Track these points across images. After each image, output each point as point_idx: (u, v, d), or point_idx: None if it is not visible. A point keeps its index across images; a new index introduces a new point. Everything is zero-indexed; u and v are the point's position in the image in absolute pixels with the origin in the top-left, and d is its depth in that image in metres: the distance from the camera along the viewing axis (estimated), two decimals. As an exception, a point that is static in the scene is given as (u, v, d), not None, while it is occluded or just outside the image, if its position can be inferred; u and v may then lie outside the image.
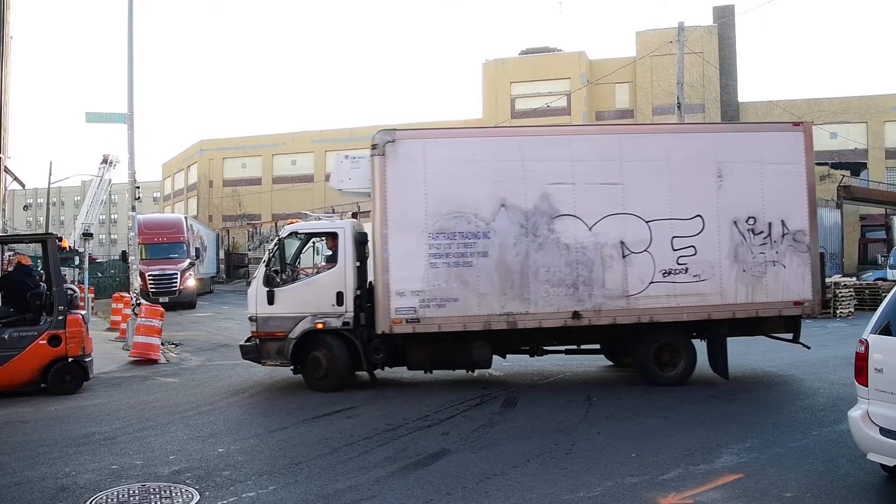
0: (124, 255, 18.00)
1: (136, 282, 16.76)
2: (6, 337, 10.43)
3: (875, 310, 6.15)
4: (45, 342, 10.53)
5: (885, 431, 5.51)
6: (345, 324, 10.40)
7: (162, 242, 29.66)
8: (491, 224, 10.18)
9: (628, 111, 48.76)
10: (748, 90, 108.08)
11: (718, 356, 10.73)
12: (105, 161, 39.97)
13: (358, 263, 10.61)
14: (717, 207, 10.51)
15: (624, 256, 10.33)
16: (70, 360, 10.66)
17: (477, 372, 11.30)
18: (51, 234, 12.01)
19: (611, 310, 10.30)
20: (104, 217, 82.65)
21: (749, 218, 10.54)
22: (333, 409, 9.25)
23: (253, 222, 58.13)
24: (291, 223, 11.37)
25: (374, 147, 10.24)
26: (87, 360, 11.01)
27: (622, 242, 10.34)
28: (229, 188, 62.08)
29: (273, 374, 12.07)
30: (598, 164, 10.43)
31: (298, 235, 11.15)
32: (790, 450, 7.12)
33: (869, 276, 28.78)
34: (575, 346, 11.45)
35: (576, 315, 10.24)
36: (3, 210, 19.16)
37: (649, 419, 8.62)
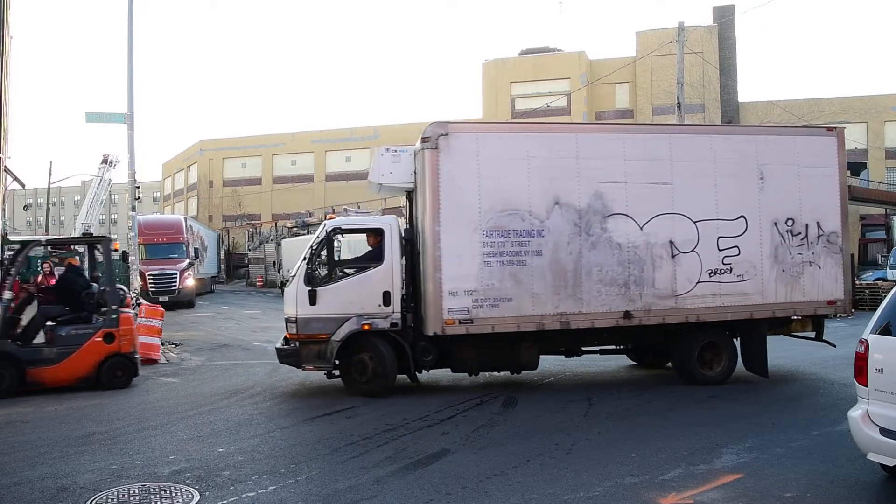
0: (125, 255, 18.03)
1: (137, 282, 16.77)
2: (65, 334, 10.91)
3: (875, 310, 6.15)
4: (100, 339, 10.98)
5: (885, 431, 5.51)
6: (392, 325, 10.00)
7: (162, 243, 30.09)
8: (545, 222, 10.01)
9: (628, 111, 48.76)
10: (748, 90, 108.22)
11: (757, 355, 10.88)
12: (105, 161, 40.00)
13: (403, 262, 10.22)
14: (759, 209, 10.73)
15: (673, 256, 10.39)
16: (122, 356, 11.10)
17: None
18: (104, 236, 12.33)
19: (660, 309, 10.34)
20: (104, 217, 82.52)
21: (788, 219, 10.81)
22: (333, 409, 9.25)
23: (253, 222, 58.12)
24: (331, 218, 10.77)
25: (425, 140, 9.84)
26: (136, 356, 11.48)
27: (671, 242, 10.40)
28: (229, 188, 62.09)
29: (273, 374, 12.06)
30: (650, 164, 10.45)
31: (342, 232, 10.64)
32: (790, 450, 7.12)
33: (869, 276, 28.77)
34: (613, 347, 11.44)
35: (627, 315, 10.20)
36: (3, 210, 19.14)
37: (649, 419, 8.62)
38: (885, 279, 26.55)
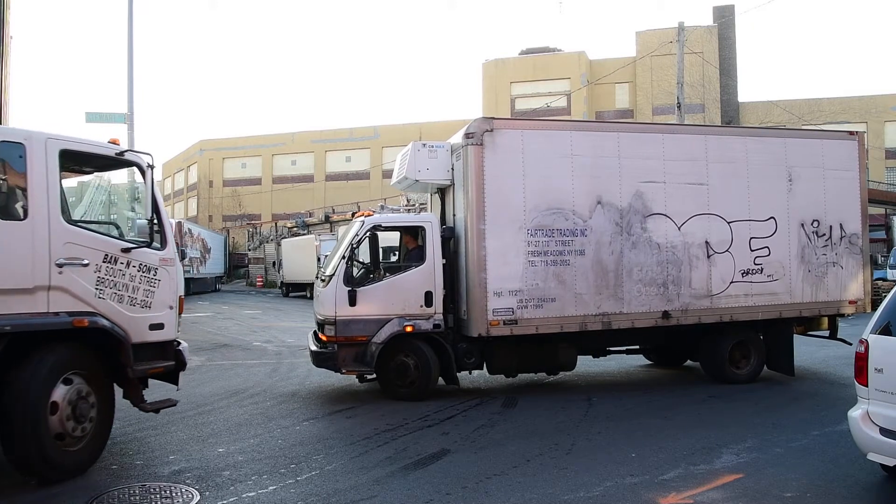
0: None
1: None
2: None
3: (875, 310, 6.15)
4: None
5: (885, 431, 5.51)
6: (435, 326, 9.75)
7: None
8: (588, 221, 9.94)
9: (628, 111, 48.79)
10: (748, 90, 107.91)
11: (782, 354, 11.07)
12: (105, 161, 40.04)
13: (444, 261, 9.92)
14: (787, 210, 10.94)
15: (708, 256, 10.49)
16: None
17: (475, 372, 11.24)
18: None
19: (697, 309, 10.41)
20: (103, 218, 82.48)
21: (814, 221, 11.10)
22: (333, 410, 9.26)
23: (253, 222, 58.17)
24: (364, 215, 10.46)
25: (469, 136, 9.63)
26: None
27: (707, 242, 10.50)
28: (229, 188, 62.12)
29: (273, 374, 12.08)
30: (687, 164, 10.51)
31: (382, 229, 10.12)
32: (790, 450, 7.13)
33: (869, 276, 28.70)
34: (635, 346, 11.52)
35: (665, 315, 10.23)
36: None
37: (649, 419, 8.63)
38: (885, 279, 26.53)
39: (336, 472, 6.50)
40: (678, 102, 23.59)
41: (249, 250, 55.00)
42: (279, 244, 42.37)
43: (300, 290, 36.12)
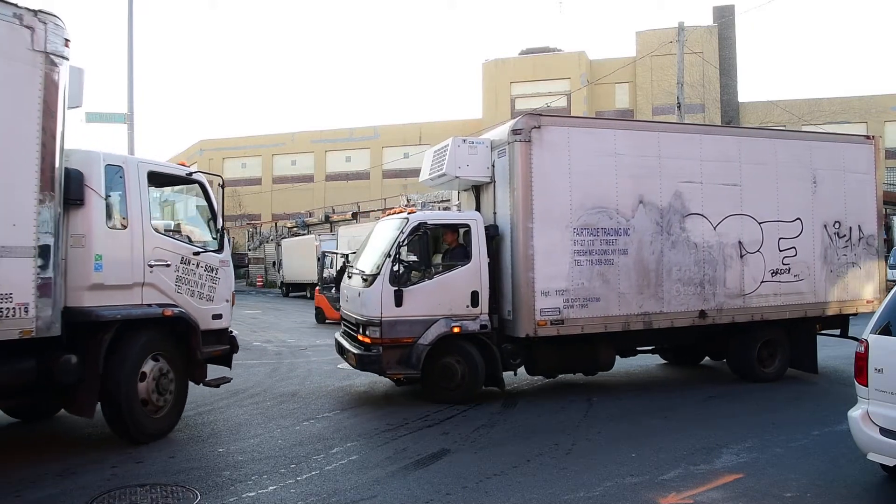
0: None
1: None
2: None
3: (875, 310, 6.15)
4: None
5: (885, 431, 5.52)
6: (482, 326, 9.55)
7: None
8: (630, 221, 9.94)
9: (628, 111, 48.77)
10: (748, 90, 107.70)
11: (806, 352, 11.29)
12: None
13: (489, 260, 9.74)
14: (812, 211, 11.19)
15: (741, 256, 10.61)
16: None
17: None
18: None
19: (730, 308, 10.52)
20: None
21: (835, 222, 11.38)
22: (333, 410, 9.26)
23: (253, 222, 58.16)
24: (400, 212, 10.21)
25: (517, 132, 9.50)
26: None
27: (740, 242, 10.64)
28: (229, 188, 61.76)
29: (273, 374, 12.07)
30: (722, 165, 10.62)
31: (428, 228, 9.67)
32: (790, 450, 7.13)
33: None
34: (660, 346, 11.58)
35: (702, 314, 10.31)
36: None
37: (649, 419, 8.63)
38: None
39: (336, 472, 6.50)
40: (678, 102, 23.60)
41: (249, 250, 54.99)
42: (279, 244, 42.38)
43: (300, 290, 36.07)
